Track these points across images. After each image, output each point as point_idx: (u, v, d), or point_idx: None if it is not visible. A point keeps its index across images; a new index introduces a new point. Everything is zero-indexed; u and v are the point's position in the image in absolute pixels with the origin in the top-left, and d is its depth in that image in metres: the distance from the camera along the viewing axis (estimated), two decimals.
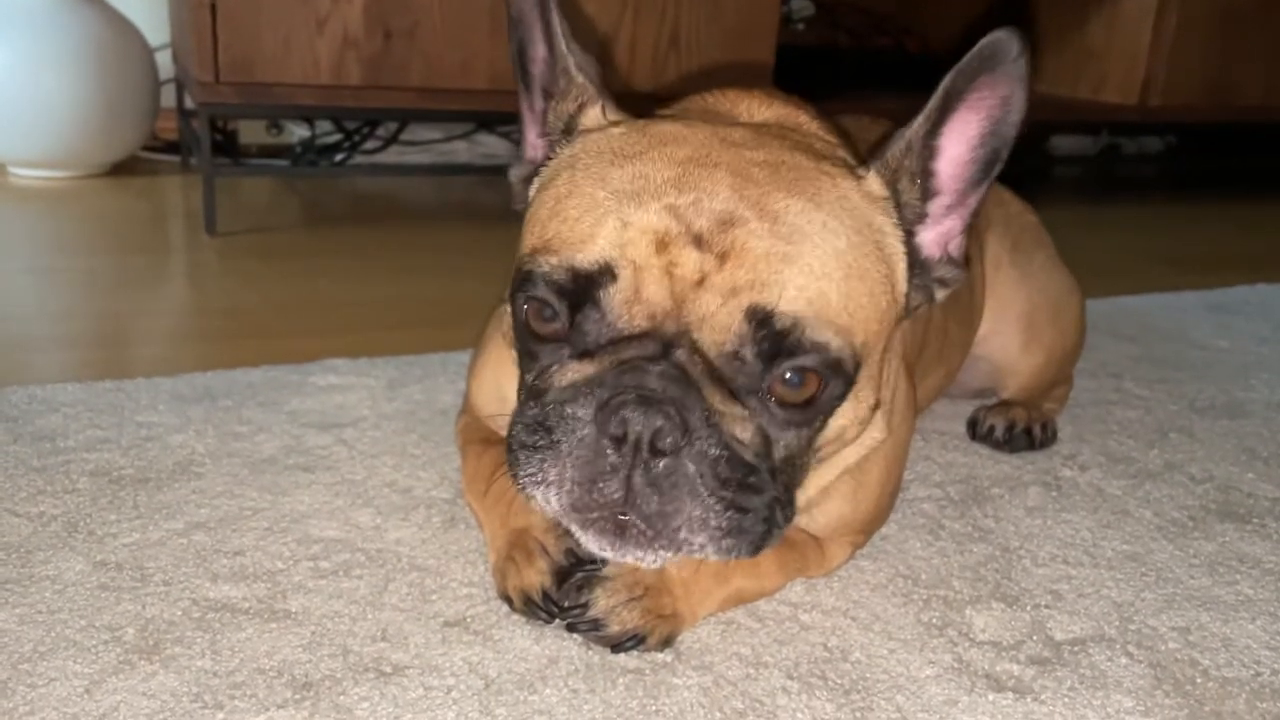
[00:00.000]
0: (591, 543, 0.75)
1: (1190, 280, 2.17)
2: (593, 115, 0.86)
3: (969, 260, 0.89)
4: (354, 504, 1.09)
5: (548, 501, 0.73)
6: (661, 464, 0.70)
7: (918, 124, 0.79)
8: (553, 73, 0.88)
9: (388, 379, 1.41)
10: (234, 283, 1.88)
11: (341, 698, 0.81)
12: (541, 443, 0.72)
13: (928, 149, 0.80)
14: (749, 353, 0.72)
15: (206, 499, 1.08)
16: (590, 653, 0.88)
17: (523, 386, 0.80)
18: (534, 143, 0.92)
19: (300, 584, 0.95)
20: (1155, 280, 2.16)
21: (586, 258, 0.73)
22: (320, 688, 0.82)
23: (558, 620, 0.90)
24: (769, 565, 0.95)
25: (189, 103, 2.61)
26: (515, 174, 0.93)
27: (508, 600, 0.92)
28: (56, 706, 0.78)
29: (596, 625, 0.87)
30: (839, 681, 0.87)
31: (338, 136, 2.80)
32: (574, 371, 0.74)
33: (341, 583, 0.95)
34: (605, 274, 0.72)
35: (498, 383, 1.03)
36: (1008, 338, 1.28)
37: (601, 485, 0.70)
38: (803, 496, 0.87)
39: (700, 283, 0.72)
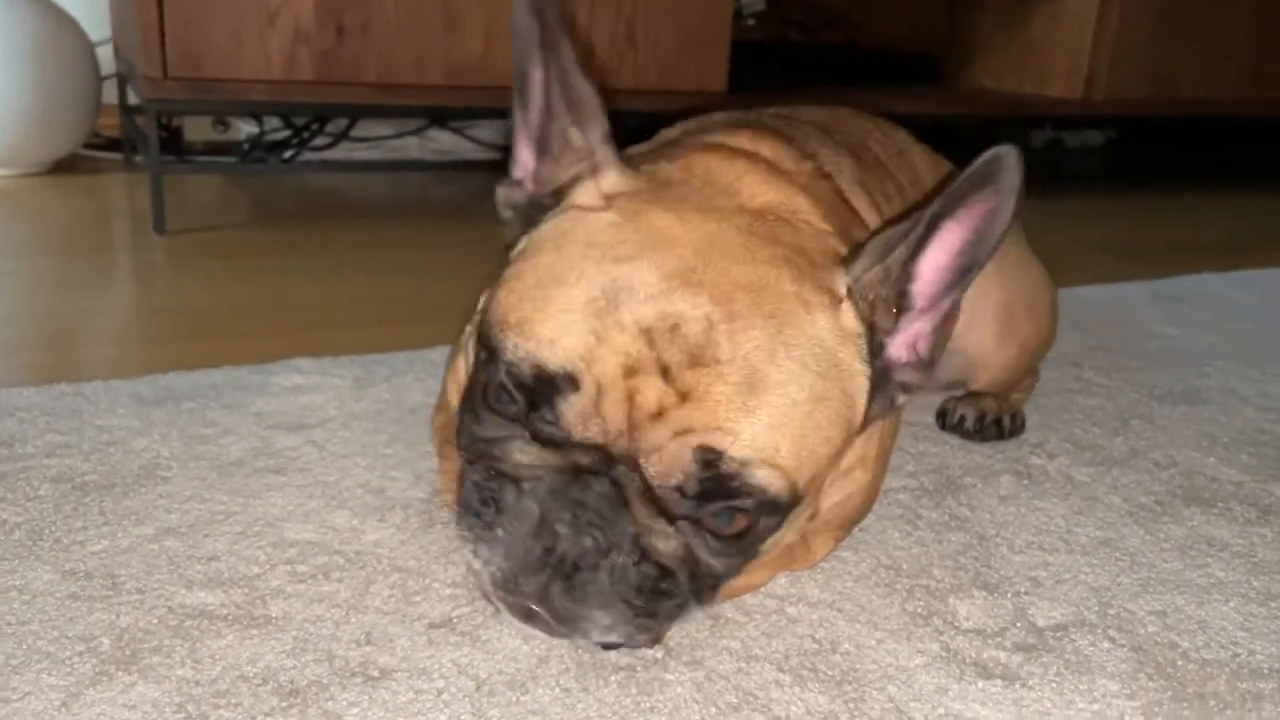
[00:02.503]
0: (504, 613, 0.81)
1: (1137, 270, 2.21)
2: (587, 190, 0.83)
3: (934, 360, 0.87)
4: (328, 506, 1.07)
5: (481, 570, 0.79)
6: (578, 576, 0.75)
7: (899, 251, 0.78)
8: (548, 125, 0.85)
9: (354, 378, 1.39)
10: (186, 282, 1.83)
11: (330, 703, 0.79)
12: (488, 515, 0.77)
13: (906, 274, 0.80)
14: (691, 489, 0.74)
15: (175, 503, 1.05)
16: (580, 652, 0.87)
17: (469, 435, 0.82)
18: (525, 164, 0.89)
19: (279, 589, 0.93)
20: (1104, 271, 2.20)
21: (553, 359, 0.73)
22: (307, 694, 0.80)
23: None
24: (755, 562, 0.95)
25: (132, 99, 2.55)
26: (503, 195, 0.90)
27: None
28: None
29: None
30: (830, 673, 0.87)
31: (286, 133, 2.75)
32: (527, 455, 0.77)
33: (321, 586, 0.94)
34: (567, 383, 0.73)
35: None
36: (984, 331, 1.29)
37: (522, 580, 0.76)
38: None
39: (658, 415, 0.72)
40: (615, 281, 0.75)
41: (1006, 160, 0.73)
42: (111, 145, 2.70)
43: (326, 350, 1.47)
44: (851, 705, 0.83)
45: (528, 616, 0.79)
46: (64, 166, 2.53)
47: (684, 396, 0.72)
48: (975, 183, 0.74)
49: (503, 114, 2.85)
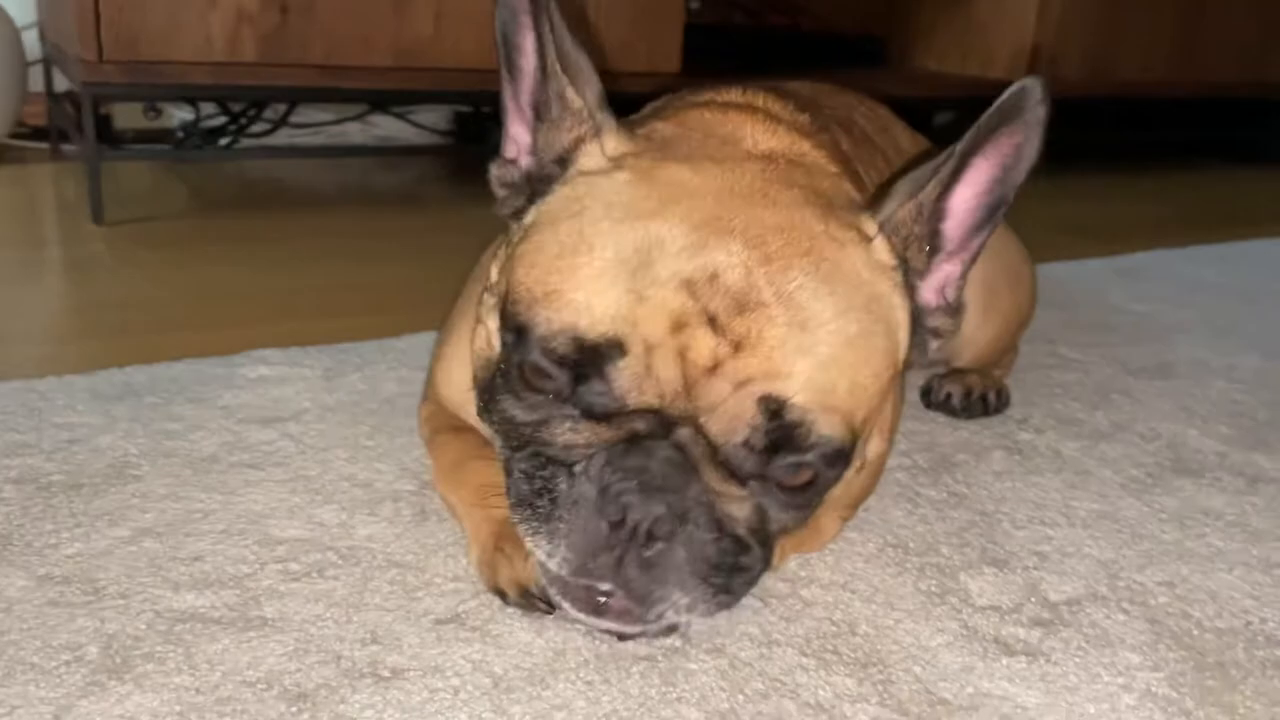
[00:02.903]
0: (571, 610, 0.77)
1: (1094, 249, 2.23)
2: (592, 153, 0.80)
3: (962, 305, 0.86)
4: (313, 501, 1.02)
5: (547, 562, 0.74)
6: (654, 549, 0.71)
7: (930, 187, 0.77)
8: (543, 88, 0.81)
9: (323, 369, 1.33)
10: (132, 274, 1.75)
11: (342, 706, 0.75)
12: (543, 506, 0.73)
13: (938, 211, 0.78)
14: (758, 442, 0.71)
15: (150, 503, 1.00)
16: (597, 642, 0.83)
17: (508, 420, 0.77)
18: (519, 140, 0.86)
19: (271, 588, 0.88)
20: (1062, 249, 2.22)
21: (593, 327, 0.70)
22: (316, 698, 0.76)
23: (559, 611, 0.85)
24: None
25: (60, 85, 2.44)
26: (496, 174, 0.87)
27: (500, 594, 0.87)
28: None
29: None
30: (853, 655, 0.85)
31: (223, 119, 2.65)
32: (578, 433, 0.72)
33: (317, 584, 0.89)
34: (614, 349, 0.69)
35: (468, 373, 0.97)
36: (968, 307, 1.28)
37: (594, 563, 0.71)
38: None
39: (713, 369, 0.69)
40: (644, 238, 0.71)
41: (1033, 93, 0.72)
42: (38, 134, 2.58)
43: (289, 341, 1.41)
44: (880, 688, 0.81)
45: (596, 609, 0.74)
46: None
47: (737, 345, 0.69)
48: (1005, 115, 0.73)
49: (451, 98, 2.79)
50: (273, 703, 0.75)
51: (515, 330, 0.74)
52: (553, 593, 0.77)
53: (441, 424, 1.02)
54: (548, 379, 0.73)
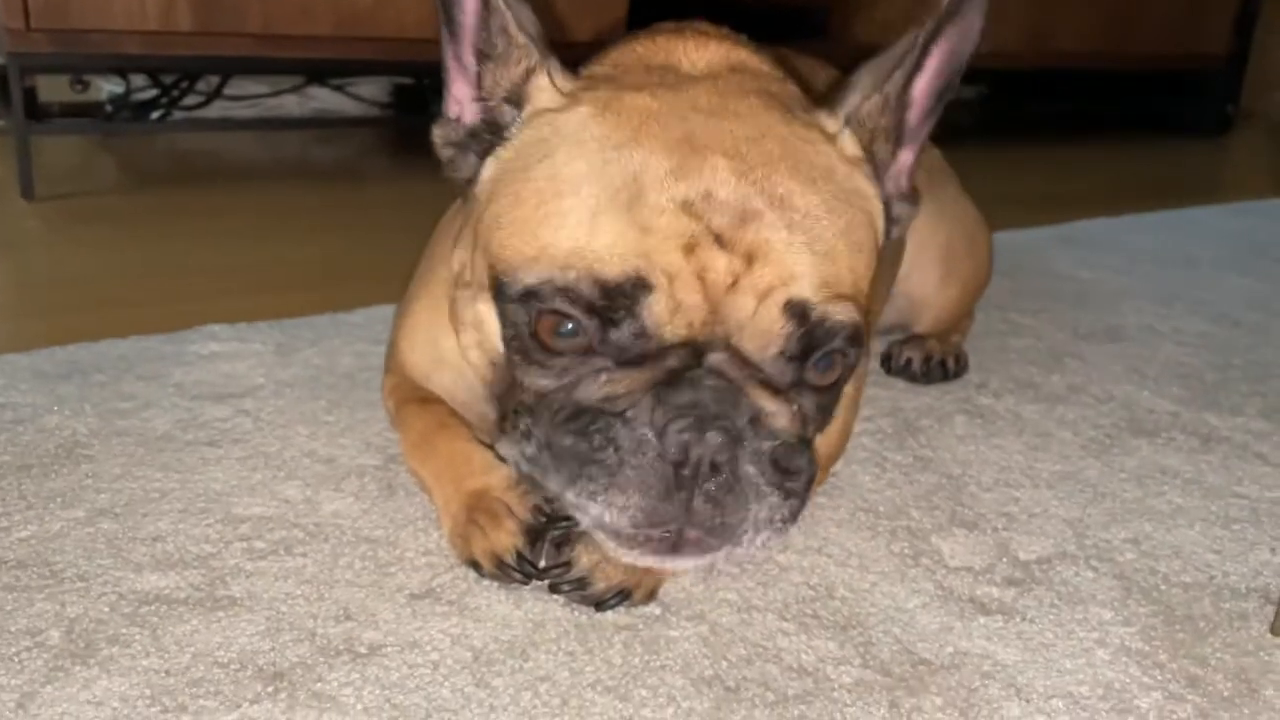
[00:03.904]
0: (641, 559, 0.73)
1: (1036, 218, 2.26)
2: (543, 86, 0.78)
3: (917, 191, 0.88)
4: (275, 478, 0.99)
5: (602, 520, 0.70)
6: (722, 478, 0.68)
7: (895, 77, 0.78)
8: (487, 28, 0.79)
9: (275, 344, 1.30)
10: (66, 250, 1.69)
11: (319, 685, 0.73)
12: (609, 460, 0.68)
13: (903, 101, 0.79)
14: (793, 349, 0.71)
15: (104, 483, 0.96)
16: (575, 613, 0.82)
17: (539, 393, 0.74)
18: (461, 99, 0.83)
19: (237, 567, 0.85)
20: (1005, 218, 2.24)
21: (613, 269, 0.68)
22: (293, 676, 0.74)
23: (535, 582, 0.84)
24: None
25: None
26: (439, 134, 0.83)
27: (474, 565, 0.86)
28: None
29: (581, 584, 0.82)
30: (832, 619, 0.85)
31: (154, 92, 2.57)
32: (617, 383, 0.69)
33: (285, 562, 0.86)
34: (639, 287, 0.68)
35: (434, 341, 0.95)
36: (927, 272, 1.29)
37: (664, 507, 0.68)
38: None
39: (733, 285, 0.69)
40: (627, 169, 0.70)
41: None
42: None
43: (235, 317, 1.37)
44: (862, 649, 0.81)
45: (674, 548, 0.71)
46: None
47: (749, 257, 0.68)
48: (951, 8, 0.74)
49: (393, 68, 2.72)
50: (248, 683, 0.73)
51: (521, 299, 0.71)
52: (614, 547, 0.73)
53: (407, 395, 1.00)
54: (572, 336, 0.70)
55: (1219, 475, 1.14)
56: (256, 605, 0.81)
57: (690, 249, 0.68)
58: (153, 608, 0.80)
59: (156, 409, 1.11)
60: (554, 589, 0.83)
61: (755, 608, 0.85)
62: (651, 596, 0.85)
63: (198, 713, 0.69)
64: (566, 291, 0.69)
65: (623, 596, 0.83)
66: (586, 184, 0.70)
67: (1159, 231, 2.23)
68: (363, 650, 0.77)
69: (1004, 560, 0.95)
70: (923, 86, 0.80)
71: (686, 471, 0.67)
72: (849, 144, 0.78)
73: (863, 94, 0.79)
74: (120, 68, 2.39)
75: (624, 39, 0.91)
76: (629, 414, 0.68)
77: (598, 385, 0.70)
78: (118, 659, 0.74)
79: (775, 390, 0.72)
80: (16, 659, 0.73)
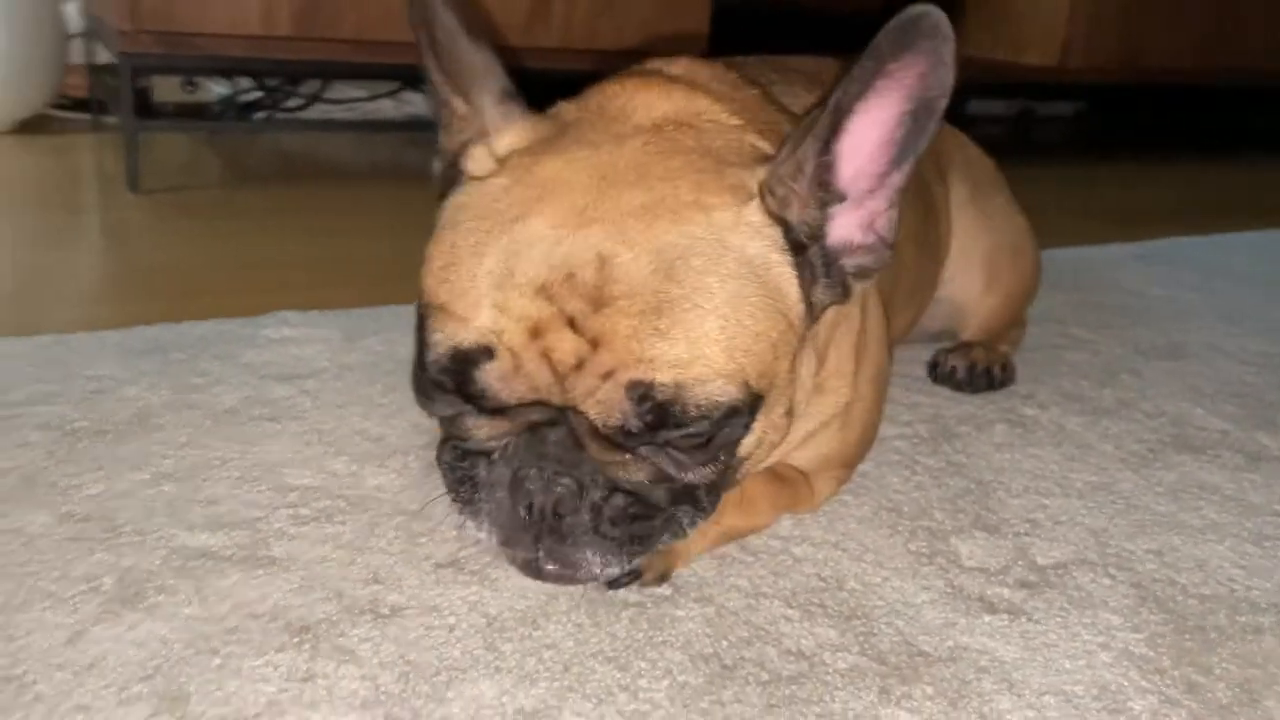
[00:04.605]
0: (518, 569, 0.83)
1: (1116, 234, 2.23)
2: (477, 156, 0.81)
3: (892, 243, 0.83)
4: (326, 453, 1.06)
5: (479, 539, 0.80)
6: (562, 522, 0.76)
7: (807, 144, 0.75)
8: (435, 98, 0.84)
9: (343, 331, 1.37)
10: (164, 240, 1.80)
11: (341, 639, 0.79)
12: (466, 492, 0.79)
13: (823, 164, 0.76)
14: (634, 425, 0.73)
15: (170, 450, 1.04)
16: (588, 590, 0.86)
17: (432, 414, 0.82)
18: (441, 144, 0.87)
19: (281, 531, 0.92)
20: (1084, 234, 2.22)
21: (467, 338, 0.73)
22: (318, 630, 0.79)
23: None
24: (761, 503, 0.95)
25: (101, 57, 2.49)
26: (436, 166, 0.88)
27: None
28: (40, 657, 0.74)
29: None
30: (838, 609, 0.87)
31: (258, 95, 2.70)
32: (483, 428, 0.78)
33: (325, 528, 0.93)
34: (483, 354, 0.73)
35: None
36: (970, 278, 1.30)
37: (515, 539, 0.78)
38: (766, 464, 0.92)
39: (578, 366, 0.72)
40: (508, 246, 0.73)
41: (921, 22, 0.69)
42: (79, 106, 2.64)
43: (311, 305, 1.45)
44: (862, 639, 0.84)
45: (536, 571, 0.79)
46: (31, 126, 2.48)
47: (595, 343, 0.71)
48: (885, 55, 0.70)
49: None
50: (276, 633, 0.79)
51: (419, 342, 0.78)
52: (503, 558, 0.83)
53: None
54: (445, 383, 0.76)
55: (1261, 494, 1.13)
56: (293, 566, 0.87)
57: (537, 332, 0.71)
58: (200, 563, 0.86)
59: (226, 385, 1.19)
60: None
61: (763, 594, 0.88)
62: (663, 579, 0.88)
63: (227, 656, 0.76)
64: (434, 354, 0.75)
65: (633, 577, 0.87)
66: (476, 257, 0.74)
67: (1241, 251, 2.18)
68: (385, 611, 0.82)
69: (1020, 563, 0.96)
70: (864, 142, 0.75)
71: (534, 514, 0.76)
72: (754, 211, 0.76)
73: (785, 155, 0.77)
74: (222, 70, 2.52)
75: (608, 78, 0.91)
76: (494, 456, 0.77)
77: (472, 425, 0.78)
78: (162, 606, 0.80)
79: (625, 449, 0.75)
80: (72, 601, 0.80)
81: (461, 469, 0.79)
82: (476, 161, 0.81)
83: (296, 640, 0.78)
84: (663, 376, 0.70)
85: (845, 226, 0.79)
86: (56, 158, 2.33)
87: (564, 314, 0.71)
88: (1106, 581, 0.94)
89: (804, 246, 0.78)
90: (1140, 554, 0.99)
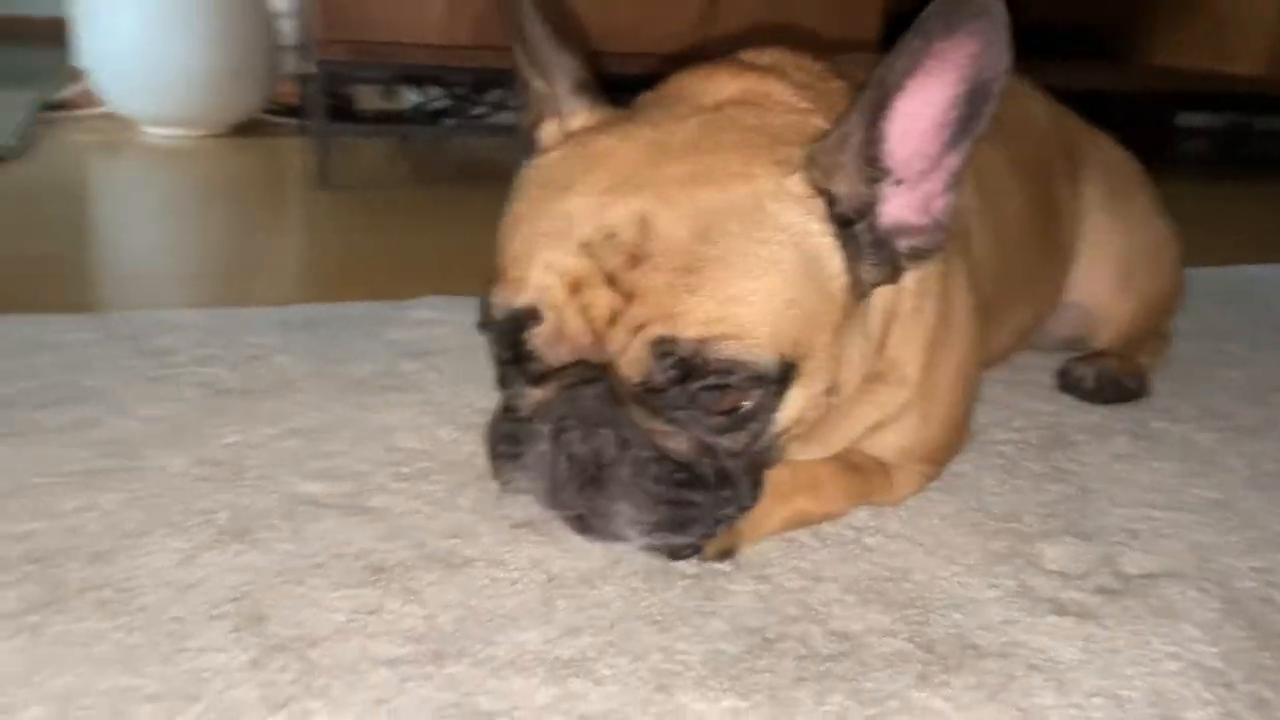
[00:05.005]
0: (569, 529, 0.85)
1: None
2: (549, 131, 0.88)
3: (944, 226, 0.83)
4: (438, 421, 1.14)
5: (527, 487, 0.83)
6: (602, 474, 0.78)
7: (853, 118, 0.76)
8: (519, 82, 0.91)
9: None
10: (342, 233, 1.96)
11: (411, 582, 0.85)
12: (507, 450, 0.82)
13: (870, 139, 0.77)
14: (660, 380, 0.75)
15: (302, 410, 1.14)
16: (651, 559, 0.90)
17: (498, 385, 0.87)
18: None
19: (382, 485, 1.00)
20: (1272, 250, 2.07)
21: (519, 299, 0.78)
22: (393, 573, 0.86)
23: None
24: (831, 488, 0.96)
25: (309, 68, 2.72)
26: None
27: None
28: (154, 574, 0.84)
29: None
30: (897, 598, 0.87)
31: (447, 102, 2.87)
32: (530, 397, 0.81)
33: (420, 486, 1.00)
34: (530, 316, 0.78)
35: None
36: (1101, 283, 1.26)
37: (558, 494, 0.80)
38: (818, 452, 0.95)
39: (613, 320, 0.75)
40: (559, 211, 0.78)
41: (971, 2, 0.70)
42: (290, 112, 2.88)
43: (457, 293, 1.54)
44: (913, 627, 0.84)
45: (581, 526, 0.82)
46: (244, 129, 2.72)
47: (629, 297, 0.74)
48: (933, 33, 0.71)
49: (653, 83, 2.88)
50: (356, 572, 0.86)
51: (482, 307, 0.83)
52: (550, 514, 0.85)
53: None
54: (503, 350, 0.81)
55: None
56: (386, 516, 0.94)
57: (577, 287, 0.76)
58: (305, 508, 0.95)
59: (364, 359, 1.29)
60: None
61: (823, 578, 0.90)
62: (726, 556, 0.91)
63: (310, 588, 0.83)
64: (494, 319, 0.80)
65: (694, 550, 0.90)
66: (531, 222, 0.80)
67: None
68: (458, 562, 0.88)
69: (1105, 570, 0.93)
70: (913, 120, 0.76)
71: (574, 467, 0.78)
72: (797, 182, 0.78)
73: (833, 127, 0.78)
74: (408, 77, 2.69)
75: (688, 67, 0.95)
76: (534, 418, 0.80)
77: (520, 393, 0.82)
78: (265, 540, 0.89)
79: (662, 415, 0.77)
80: (189, 530, 0.90)
81: (504, 429, 0.83)
82: (546, 135, 0.87)
83: (373, 579, 0.85)
84: (688, 332, 0.73)
85: (900, 208, 0.80)
86: (263, 157, 2.55)
87: (603, 270, 0.75)
88: (1195, 594, 0.90)
89: (850, 221, 0.79)
90: (1243, 570, 0.94)
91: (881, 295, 0.86)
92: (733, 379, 0.75)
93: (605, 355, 0.77)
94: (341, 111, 2.87)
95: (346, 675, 0.74)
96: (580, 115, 0.87)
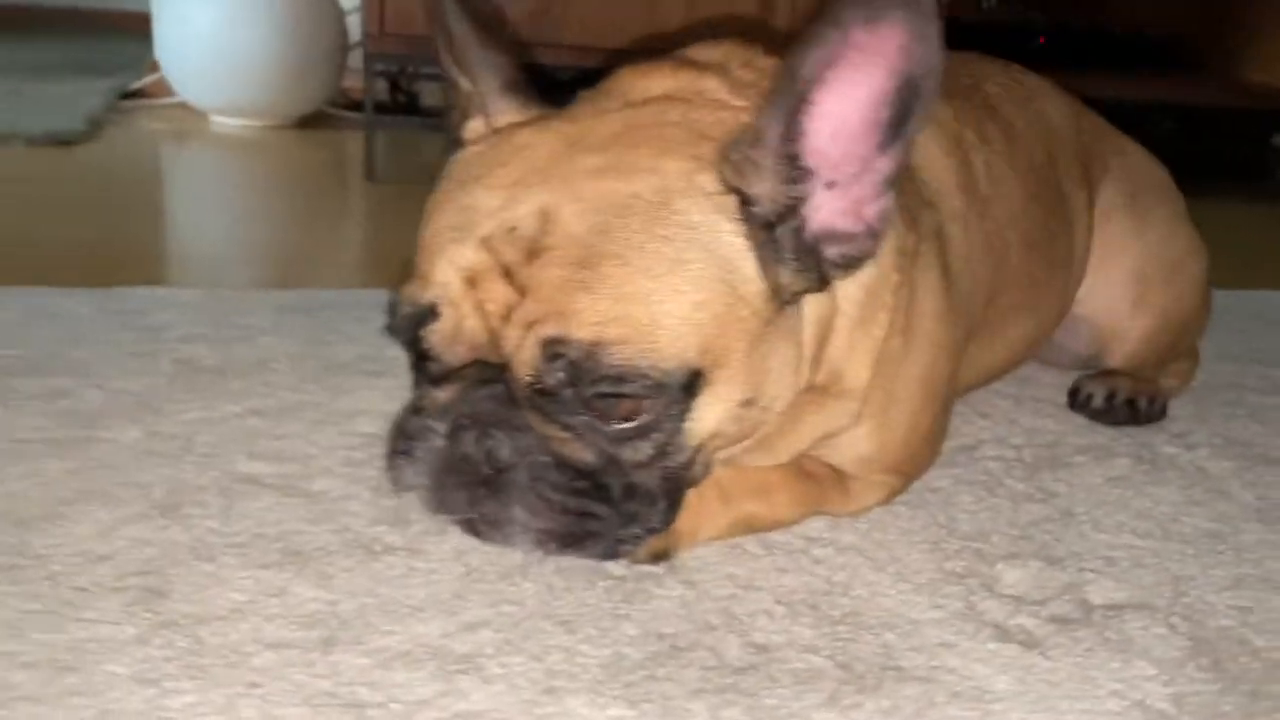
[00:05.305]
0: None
1: None
2: (473, 128, 0.85)
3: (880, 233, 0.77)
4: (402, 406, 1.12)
5: (413, 487, 0.79)
6: (496, 478, 0.74)
7: (766, 112, 0.71)
8: (446, 80, 0.88)
9: None
10: (374, 223, 1.97)
11: (326, 567, 0.83)
12: (401, 447, 0.78)
13: (789, 135, 0.71)
14: (552, 383, 0.71)
15: (272, 390, 1.14)
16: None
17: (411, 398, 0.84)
18: None
19: (328, 469, 0.98)
20: None
21: (423, 296, 0.75)
22: (310, 557, 0.85)
23: None
24: (783, 494, 0.91)
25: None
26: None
27: None
28: (71, 544, 0.84)
29: None
30: (830, 613, 0.83)
31: None
32: (431, 398, 0.77)
33: (365, 471, 0.98)
34: (430, 315, 0.74)
35: None
36: (1114, 296, 1.18)
37: (446, 496, 0.76)
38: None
39: (506, 317, 0.72)
40: (466, 203, 0.75)
41: None
42: (355, 107, 2.92)
43: None
44: (839, 644, 0.79)
45: (469, 529, 0.78)
46: (309, 122, 2.76)
47: (523, 291, 0.71)
48: (849, 23, 0.66)
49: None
50: (273, 553, 0.85)
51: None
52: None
53: None
54: (406, 352, 0.79)
55: None
56: (321, 500, 0.93)
57: (473, 282, 0.72)
58: (243, 486, 0.94)
59: (351, 344, 1.28)
60: None
61: (756, 587, 0.85)
62: (660, 559, 0.87)
63: (220, 566, 0.82)
64: (398, 313, 0.77)
65: (626, 552, 0.86)
66: (439, 217, 0.77)
67: None
68: (378, 549, 0.86)
69: (1067, 597, 0.87)
70: (839, 120, 0.71)
71: (467, 467, 0.75)
72: (707, 179, 0.73)
73: (749, 122, 0.74)
74: None
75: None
76: (430, 418, 0.76)
77: (424, 395, 0.78)
78: (190, 517, 0.89)
79: (557, 421, 0.73)
80: (122, 501, 0.90)
81: (404, 427, 0.79)
82: (470, 130, 0.85)
83: (286, 560, 0.84)
84: (580, 332, 0.70)
85: (831, 213, 0.75)
86: (322, 150, 2.58)
87: (500, 264, 0.72)
88: (1160, 630, 0.83)
89: (771, 224, 0.74)
90: (1222, 608, 0.87)
91: (815, 304, 0.80)
92: (628, 387, 0.71)
93: (501, 355, 0.73)
94: (410, 107, 2.90)
95: (230, 656, 0.73)
96: (509, 114, 0.84)
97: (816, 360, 0.83)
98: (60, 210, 1.81)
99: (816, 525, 0.94)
